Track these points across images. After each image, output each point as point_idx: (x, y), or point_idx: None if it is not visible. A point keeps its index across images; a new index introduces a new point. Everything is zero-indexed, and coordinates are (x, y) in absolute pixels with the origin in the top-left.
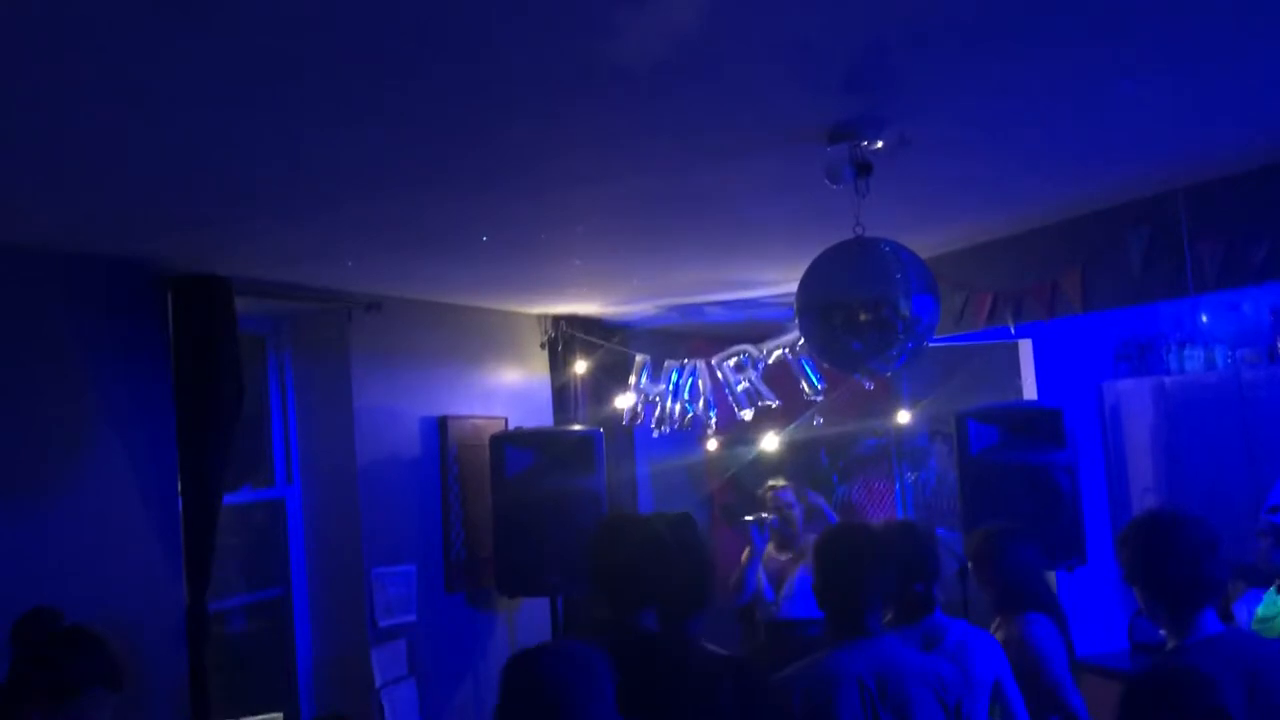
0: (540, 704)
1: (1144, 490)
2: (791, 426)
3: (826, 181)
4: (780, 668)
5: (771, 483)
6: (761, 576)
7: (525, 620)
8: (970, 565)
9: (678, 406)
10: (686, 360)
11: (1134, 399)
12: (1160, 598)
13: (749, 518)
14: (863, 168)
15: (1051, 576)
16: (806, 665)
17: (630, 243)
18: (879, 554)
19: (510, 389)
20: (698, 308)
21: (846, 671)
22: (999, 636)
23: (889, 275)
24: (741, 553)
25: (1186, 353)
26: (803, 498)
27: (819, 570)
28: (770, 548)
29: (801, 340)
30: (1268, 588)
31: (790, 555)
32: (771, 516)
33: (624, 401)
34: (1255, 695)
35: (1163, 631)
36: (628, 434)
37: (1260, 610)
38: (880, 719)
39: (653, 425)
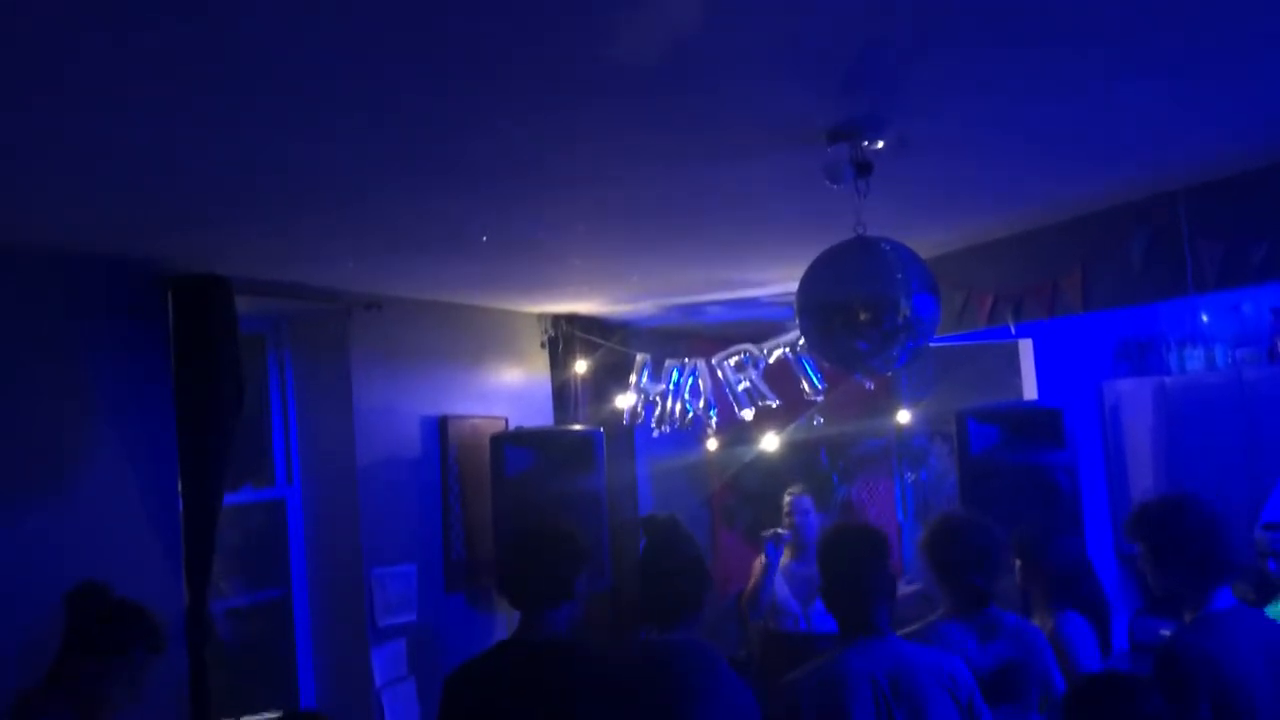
0: None
1: (1144, 490)
2: (792, 426)
3: (827, 181)
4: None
5: (791, 489)
6: (782, 588)
7: None
8: (1017, 562)
9: (678, 406)
10: (687, 360)
11: (1134, 399)
12: (1186, 574)
13: (765, 533)
14: (863, 167)
15: None
16: (815, 667)
17: (630, 242)
18: (880, 553)
19: (510, 389)
20: (698, 307)
21: (857, 671)
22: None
23: (890, 275)
24: (740, 552)
25: (1187, 353)
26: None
27: (823, 573)
28: (789, 559)
29: (802, 340)
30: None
31: (815, 568)
32: (785, 532)
33: (624, 401)
34: (1277, 666)
35: (1179, 610)
36: (628, 434)
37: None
38: (894, 717)
39: (653, 425)
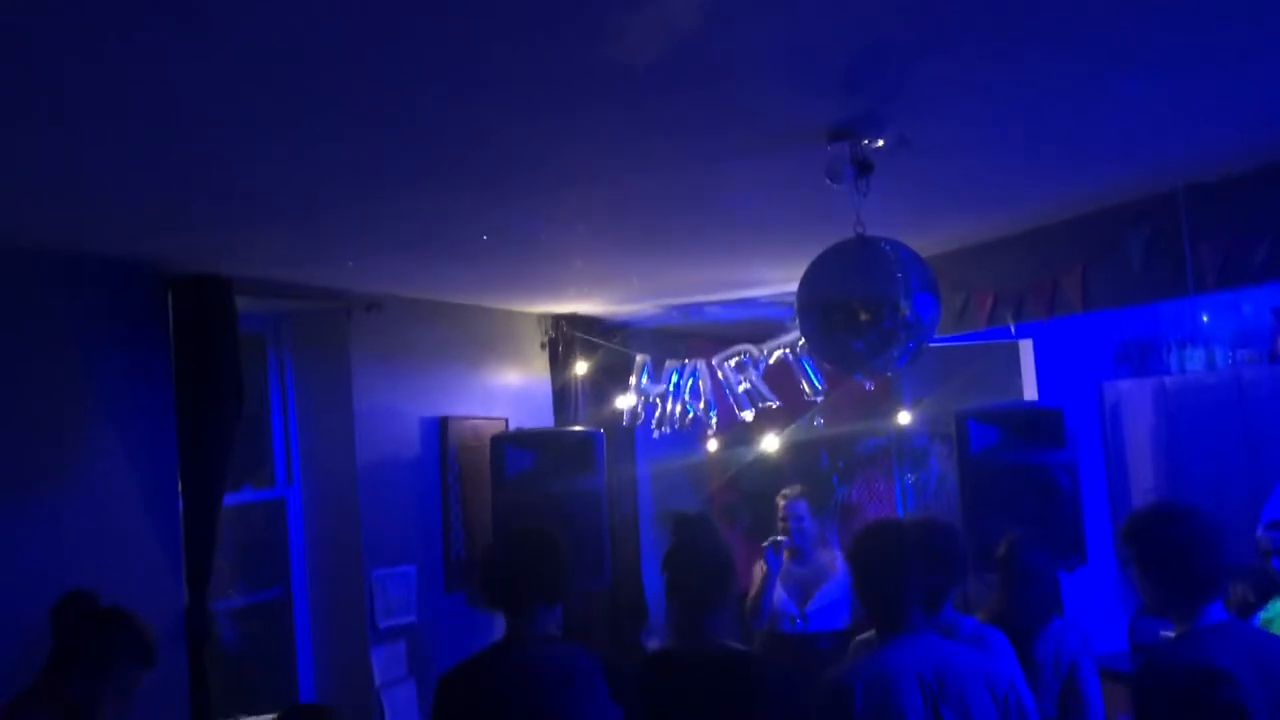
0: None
1: (1144, 490)
2: (792, 427)
3: (827, 180)
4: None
5: (785, 491)
6: (780, 592)
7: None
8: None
9: (678, 407)
10: (687, 360)
11: (1134, 399)
12: (1172, 588)
13: (765, 543)
14: (863, 167)
15: None
16: (862, 662)
17: (630, 242)
18: (915, 549)
19: (510, 389)
20: (698, 307)
21: (904, 668)
22: None
23: (890, 275)
24: (740, 553)
25: (1187, 353)
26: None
27: (857, 570)
28: (785, 561)
29: (802, 340)
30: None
31: (810, 569)
32: (785, 538)
33: (624, 402)
34: (1270, 682)
35: (1169, 622)
36: (628, 434)
37: (1264, 615)
38: (941, 715)
39: (653, 426)
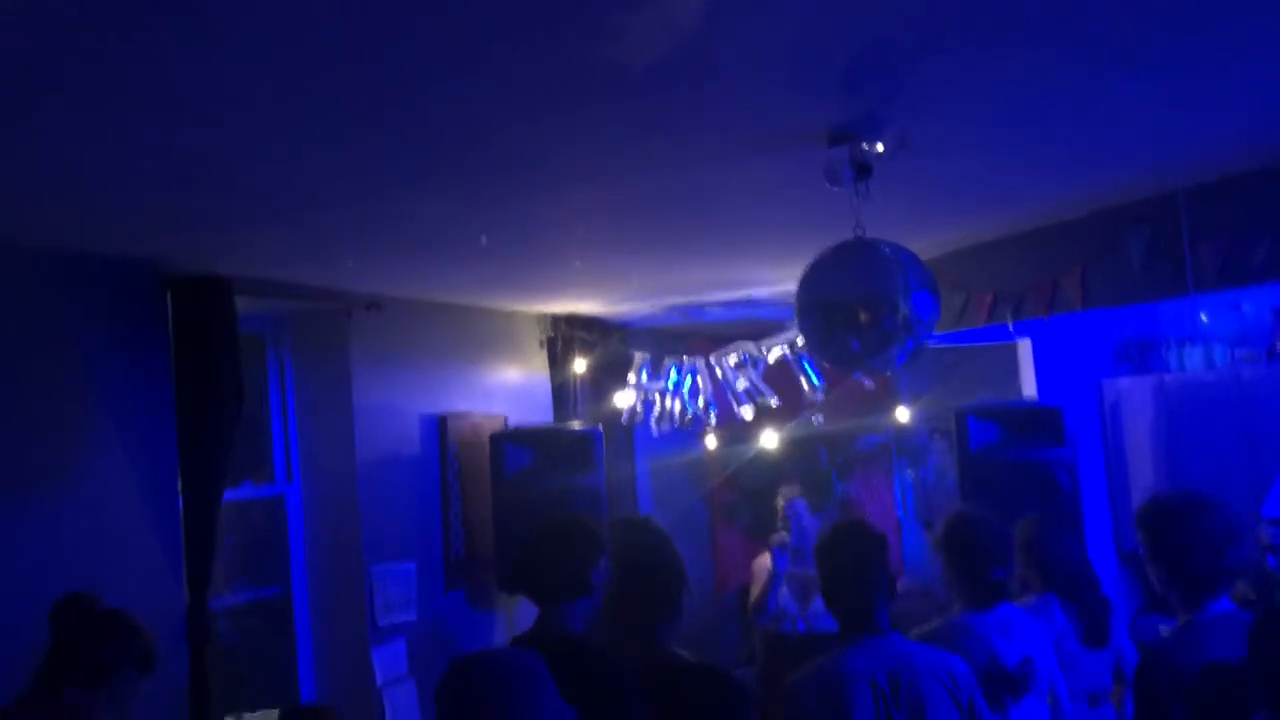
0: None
1: (1144, 488)
2: (791, 424)
3: (826, 183)
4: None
5: (784, 490)
6: (783, 592)
7: (525, 618)
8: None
9: (677, 404)
10: (686, 358)
11: (1134, 397)
12: (1180, 580)
13: (772, 539)
14: (862, 169)
15: None
16: (818, 666)
17: (630, 243)
18: (879, 550)
19: (510, 387)
20: (698, 307)
21: (858, 670)
22: None
23: (889, 275)
24: (739, 550)
25: (1186, 352)
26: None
27: (823, 570)
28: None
29: (801, 339)
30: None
31: (812, 569)
32: (790, 536)
33: (624, 400)
34: None
35: (1172, 615)
36: (627, 432)
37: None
38: (894, 718)
39: (652, 423)
